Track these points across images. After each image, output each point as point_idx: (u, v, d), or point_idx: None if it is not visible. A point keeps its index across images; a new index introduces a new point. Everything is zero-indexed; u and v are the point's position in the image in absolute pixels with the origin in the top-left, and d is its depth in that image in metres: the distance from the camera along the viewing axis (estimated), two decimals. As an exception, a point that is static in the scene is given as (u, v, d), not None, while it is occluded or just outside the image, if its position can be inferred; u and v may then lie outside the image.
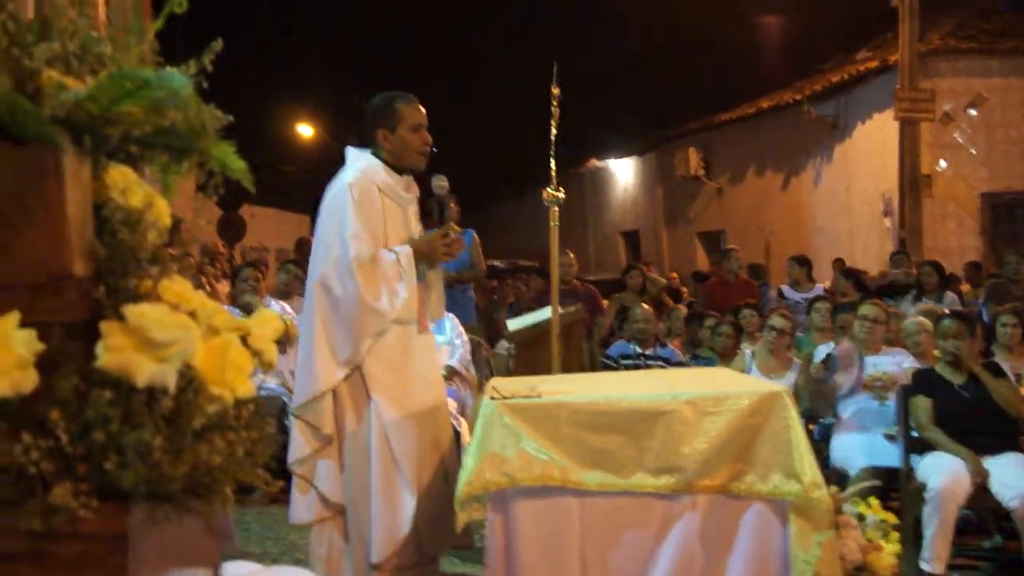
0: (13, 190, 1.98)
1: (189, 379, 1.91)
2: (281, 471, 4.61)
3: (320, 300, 4.53)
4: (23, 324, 1.81)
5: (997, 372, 6.31)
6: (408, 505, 4.43)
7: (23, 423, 1.75)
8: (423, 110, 4.69)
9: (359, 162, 4.64)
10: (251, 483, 1.98)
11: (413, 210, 4.76)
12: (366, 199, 4.52)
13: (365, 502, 4.46)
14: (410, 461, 4.47)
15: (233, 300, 9.18)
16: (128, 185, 2.18)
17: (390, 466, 4.45)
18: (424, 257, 4.60)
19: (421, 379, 4.61)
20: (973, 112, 15.98)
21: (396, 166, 4.64)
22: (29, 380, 1.76)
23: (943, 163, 15.98)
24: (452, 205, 9.33)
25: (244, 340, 2.12)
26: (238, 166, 2.34)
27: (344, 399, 4.52)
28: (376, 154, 4.65)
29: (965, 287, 11.52)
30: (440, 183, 4.70)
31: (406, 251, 4.53)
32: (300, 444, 4.53)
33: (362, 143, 4.74)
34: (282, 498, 4.83)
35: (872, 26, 18.57)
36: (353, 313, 4.43)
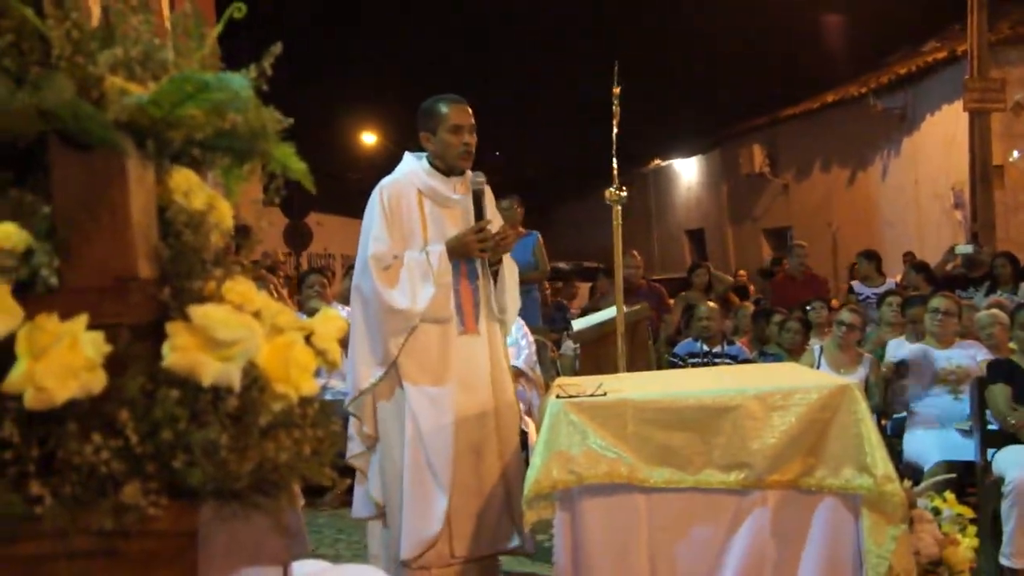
0: (79, 195, 2.01)
1: (254, 378, 1.93)
2: (349, 471, 4.67)
3: (355, 301, 4.65)
4: (91, 326, 1.84)
5: (1074, 363, 6.21)
6: (438, 506, 4.45)
7: (93, 423, 1.78)
8: (467, 111, 4.71)
9: (404, 166, 4.75)
10: (320, 483, 1.99)
11: (462, 209, 4.74)
12: (396, 202, 4.60)
13: (397, 500, 4.50)
14: (443, 463, 4.48)
15: (300, 306, 9.27)
16: (191, 188, 2.21)
17: (422, 467, 4.48)
18: (458, 253, 4.61)
19: (461, 382, 4.60)
20: (1046, 101, 15.76)
21: (442, 168, 4.68)
22: (98, 381, 1.79)
23: (1016, 154, 15.74)
24: (517, 208, 9.37)
25: (308, 339, 2.14)
26: (299, 167, 2.36)
27: (382, 399, 4.56)
28: (427, 157, 4.69)
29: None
30: (477, 179, 4.69)
31: (438, 249, 4.56)
32: (354, 441, 4.63)
33: (418, 148, 4.78)
34: (351, 502, 4.88)
35: (939, 17, 18.30)
36: (376, 311, 4.50)
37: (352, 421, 4.61)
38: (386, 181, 4.66)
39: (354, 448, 4.63)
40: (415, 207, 4.62)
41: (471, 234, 4.61)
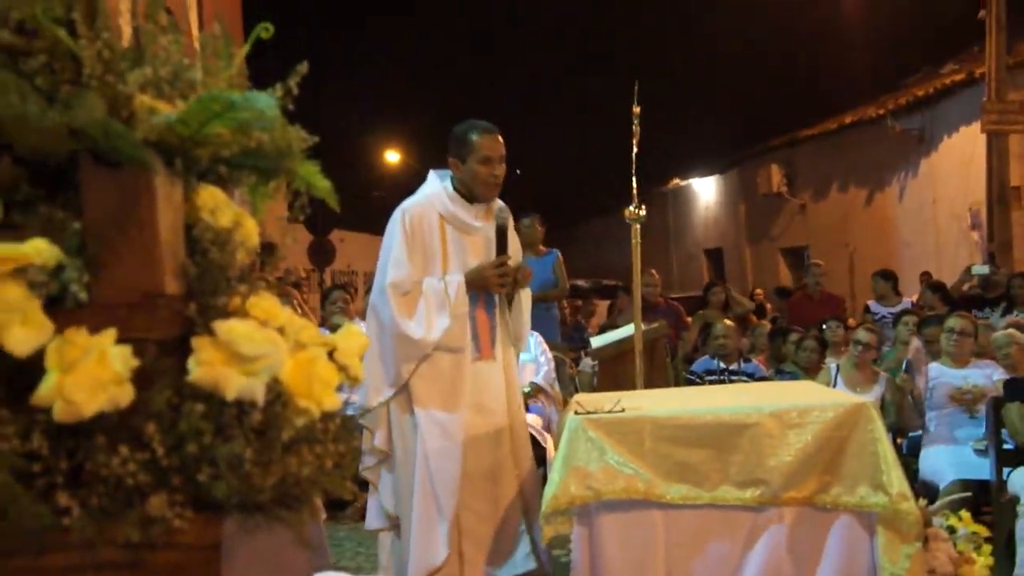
0: (109, 212, 2.03)
1: (277, 392, 1.94)
2: (369, 485, 4.67)
3: (371, 320, 4.61)
4: (119, 341, 1.85)
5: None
6: (441, 533, 4.41)
7: (120, 436, 1.79)
8: (499, 141, 4.65)
9: (427, 188, 4.69)
10: (341, 497, 2.00)
11: (483, 237, 4.69)
12: (419, 226, 4.55)
13: (408, 515, 4.49)
14: (447, 490, 4.43)
15: (323, 322, 9.27)
16: (217, 205, 2.22)
17: (428, 493, 4.44)
18: (476, 286, 4.57)
19: (476, 409, 4.56)
20: (1063, 122, 15.70)
21: (466, 194, 4.65)
22: (125, 395, 1.80)
23: (1032, 176, 15.70)
24: (538, 227, 9.37)
25: (331, 355, 2.15)
26: (323, 185, 2.37)
27: (395, 417, 4.55)
28: (452, 180, 4.68)
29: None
30: (502, 215, 4.64)
31: (456, 280, 4.52)
32: (368, 455, 4.61)
33: (445, 166, 4.75)
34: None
35: (958, 39, 18.28)
36: (391, 337, 4.46)
37: (364, 434, 4.59)
38: (408, 204, 4.62)
39: (367, 460, 4.62)
40: (436, 232, 4.58)
41: (491, 268, 4.56)
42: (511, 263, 4.62)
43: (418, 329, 4.44)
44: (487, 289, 4.61)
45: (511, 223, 4.67)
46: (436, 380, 4.51)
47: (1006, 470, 5.98)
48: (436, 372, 4.50)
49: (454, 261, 4.59)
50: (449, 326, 4.46)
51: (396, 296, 4.45)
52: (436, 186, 4.66)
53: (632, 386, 5.57)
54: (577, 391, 7.72)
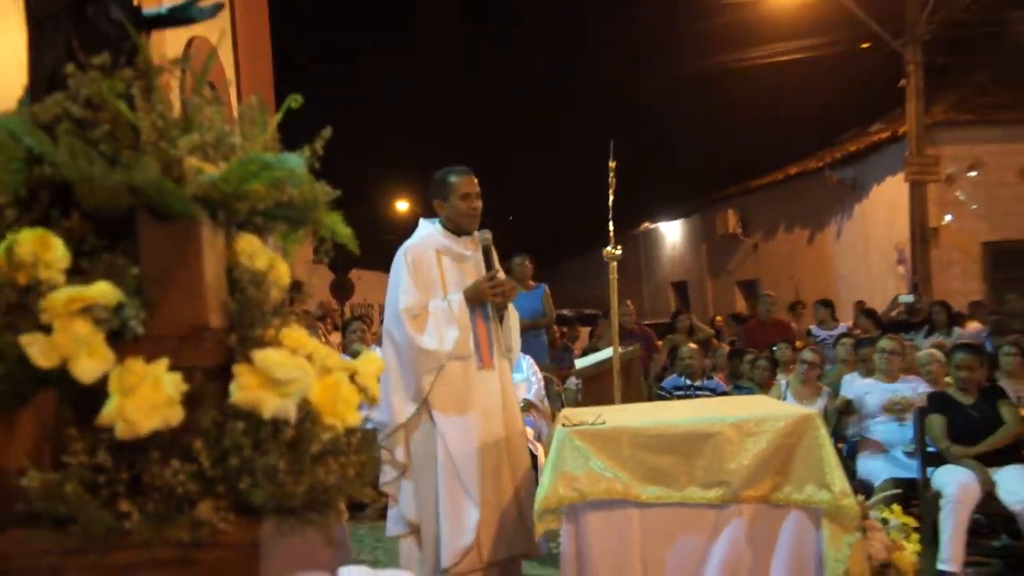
0: (161, 258, 2.03)
1: (307, 411, 1.93)
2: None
3: (387, 346, 4.62)
4: (170, 368, 1.85)
5: (1001, 395, 6.22)
6: (472, 517, 4.41)
7: (172, 451, 1.78)
8: (474, 180, 4.71)
9: (422, 230, 4.74)
10: (361, 500, 1.99)
11: (474, 262, 4.73)
12: (419, 261, 4.60)
13: (433, 517, 4.46)
14: (473, 481, 4.44)
15: (344, 348, 9.26)
16: (254, 251, 2.22)
17: (455, 485, 4.44)
18: (474, 299, 4.60)
19: (483, 411, 4.55)
20: (973, 174, 15.74)
21: (453, 229, 4.69)
22: (176, 415, 1.79)
23: (948, 217, 15.74)
24: (527, 264, 9.37)
25: (352, 378, 2.14)
26: (345, 233, 2.37)
27: (415, 430, 4.54)
28: (440, 221, 4.70)
29: (971, 323, 11.34)
30: (484, 236, 4.72)
31: (457, 297, 4.55)
32: (387, 469, 4.58)
33: (431, 214, 4.79)
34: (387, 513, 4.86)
35: (884, 102, 18.34)
36: (409, 354, 4.48)
37: (384, 452, 4.57)
38: (408, 244, 4.67)
39: (386, 475, 4.60)
40: (434, 264, 4.63)
41: (485, 282, 4.61)
42: (499, 276, 4.67)
43: (432, 342, 4.46)
44: (483, 300, 4.63)
45: (492, 242, 4.72)
46: (450, 388, 4.51)
47: (930, 469, 6.01)
48: (449, 381, 4.51)
49: (451, 286, 4.63)
50: (457, 336, 4.49)
51: (409, 319, 4.48)
52: (429, 228, 4.73)
53: (611, 401, 5.56)
54: (564, 406, 7.69)
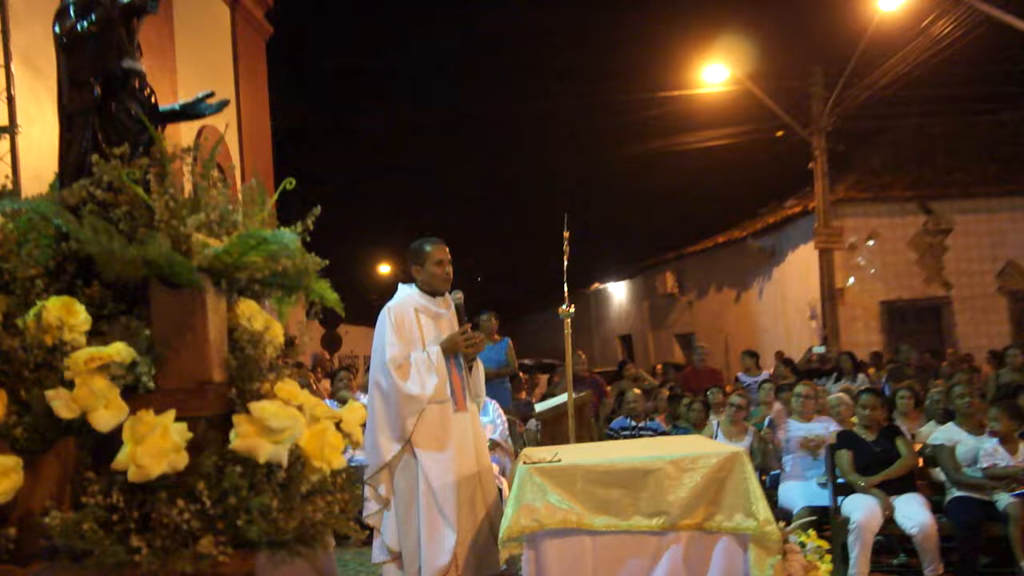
0: (171, 321, 2.01)
1: (297, 456, 1.91)
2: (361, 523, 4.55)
3: (375, 394, 4.57)
4: (177, 419, 1.83)
5: (898, 432, 6.25)
6: (450, 540, 4.36)
7: (178, 492, 1.76)
8: (446, 248, 4.73)
9: (402, 293, 4.73)
10: (346, 534, 1.96)
11: (447, 319, 4.73)
12: (401, 318, 4.59)
13: (415, 543, 4.41)
14: (451, 508, 4.40)
15: (332, 394, 9.21)
16: (253, 314, 2.21)
17: (435, 512, 4.40)
18: (450, 351, 4.60)
19: (459, 448, 4.52)
20: (871, 243, 16.02)
21: (429, 291, 4.69)
22: (182, 460, 1.77)
23: (851, 280, 15.96)
24: (493, 320, 9.34)
25: (338, 425, 2.12)
26: (332, 297, 2.37)
27: (399, 466, 4.49)
28: (416, 284, 4.71)
29: (871, 371, 11.45)
30: (456, 296, 4.73)
31: (435, 349, 4.55)
32: (370, 503, 4.53)
33: (409, 278, 4.79)
34: (371, 542, 4.77)
35: (797, 182, 18.63)
36: (395, 399, 4.45)
37: (367, 488, 4.52)
38: (391, 304, 4.67)
39: (370, 508, 4.54)
40: (414, 321, 4.63)
41: (459, 336, 4.62)
42: (471, 331, 4.69)
43: (415, 387, 4.44)
44: (456, 351, 4.63)
45: (463, 302, 4.73)
46: (430, 428, 4.48)
47: (840, 498, 6.01)
48: (430, 422, 4.48)
49: (429, 339, 4.62)
50: (437, 383, 4.48)
51: (394, 368, 4.47)
52: (407, 291, 4.73)
53: (566, 440, 5.54)
54: (525, 445, 7.65)
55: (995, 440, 5.96)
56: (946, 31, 13.03)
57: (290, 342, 2.62)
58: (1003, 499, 5.66)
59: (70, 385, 1.88)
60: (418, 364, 4.50)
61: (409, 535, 4.44)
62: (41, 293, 2.10)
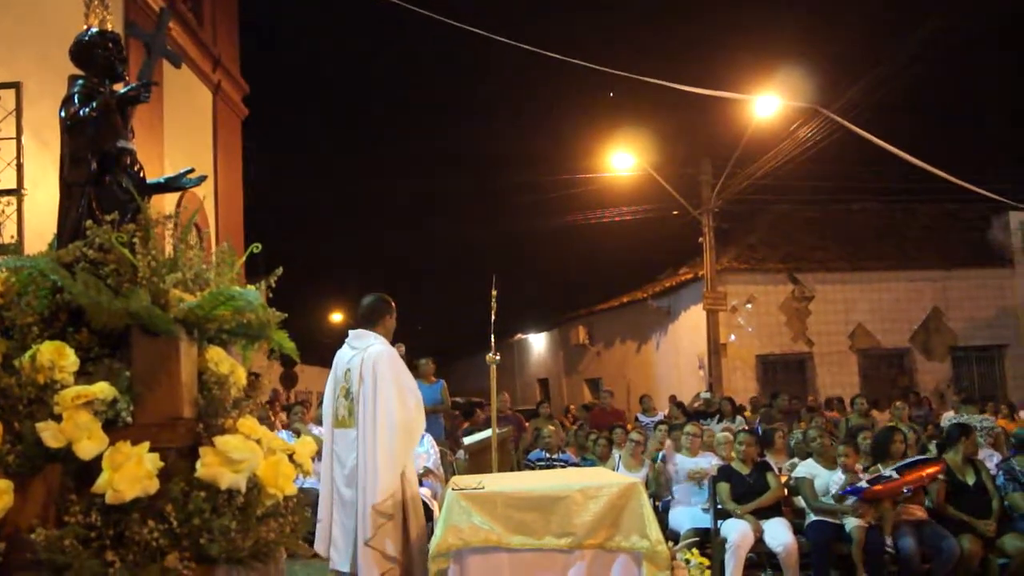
0: (149, 364, 2.00)
1: (254, 483, 1.91)
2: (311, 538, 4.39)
3: (398, 425, 4.25)
4: (151, 450, 1.81)
5: (768, 467, 6.37)
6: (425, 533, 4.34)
7: (149, 513, 1.74)
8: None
9: (379, 339, 4.51)
10: (296, 552, 1.95)
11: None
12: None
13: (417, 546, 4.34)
14: (415, 513, 4.35)
15: (287, 426, 9.03)
16: (219, 359, 2.21)
17: (420, 517, 4.37)
18: None
19: (413, 473, 4.49)
20: (749, 306, 16.43)
21: (387, 339, 4.56)
22: (153, 486, 1.76)
23: (732, 337, 16.31)
24: (430, 364, 9.32)
25: (291, 457, 2.12)
26: (290, 346, 2.38)
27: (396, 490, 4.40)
28: (380, 332, 4.55)
29: (747, 413, 11.67)
30: (399, 348, 4.71)
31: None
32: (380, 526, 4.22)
33: (369, 326, 4.57)
34: (319, 556, 4.62)
35: (689, 252, 19.02)
36: (415, 434, 4.42)
37: (373, 513, 4.17)
38: (390, 348, 4.48)
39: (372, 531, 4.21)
40: None
41: None
42: None
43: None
44: None
45: (403, 351, 4.73)
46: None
47: (720, 522, 6.10)
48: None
49: None
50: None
51: (416, 407, 4.34)
52: (380, 338, 4.52)
53: (490, 470, 5.53)
54: (455, 473, 7.59)
55: (843, 473, 6.14)
56: (810, 135, 13.69)
57: (255, 376, 2.61)
58: (850, 522, 5.82)
59: (58, 419, 1.86)
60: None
61: (411, 544, 4.30)
62: (36, 338, 2.07)
